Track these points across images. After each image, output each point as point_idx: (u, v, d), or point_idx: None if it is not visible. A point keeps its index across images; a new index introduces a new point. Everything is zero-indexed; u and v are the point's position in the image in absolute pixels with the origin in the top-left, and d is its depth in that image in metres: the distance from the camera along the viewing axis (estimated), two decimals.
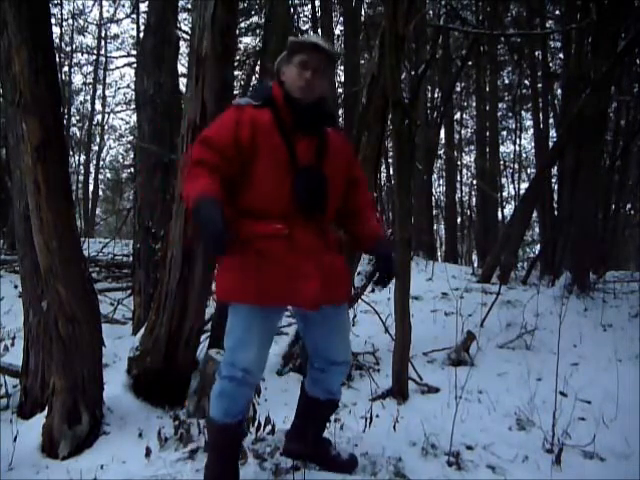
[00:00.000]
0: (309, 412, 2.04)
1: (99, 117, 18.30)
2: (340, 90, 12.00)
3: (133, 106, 14.44)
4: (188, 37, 6.31)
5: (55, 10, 12.48)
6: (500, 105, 15.12)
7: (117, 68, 18.30)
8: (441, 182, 19.59)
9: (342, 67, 11.92)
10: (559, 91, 11.28)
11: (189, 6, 10.93)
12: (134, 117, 16.24)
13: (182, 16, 11.93)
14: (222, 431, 1.85)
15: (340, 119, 11.80)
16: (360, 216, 1.98)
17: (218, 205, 1.58)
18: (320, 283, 1.75)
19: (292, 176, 1.76)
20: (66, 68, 14.89)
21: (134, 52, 14.83)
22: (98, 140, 18.16)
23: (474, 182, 17.61)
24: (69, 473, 2.09)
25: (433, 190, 15.84)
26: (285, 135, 1.77)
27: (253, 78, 10.68)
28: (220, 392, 1.83)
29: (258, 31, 11.38)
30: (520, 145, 17.23)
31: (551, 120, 10.83)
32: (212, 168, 1.69)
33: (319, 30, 11.00)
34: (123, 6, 20.10)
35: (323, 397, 1.99)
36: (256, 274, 1.73)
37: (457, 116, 17.34)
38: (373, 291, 5.76)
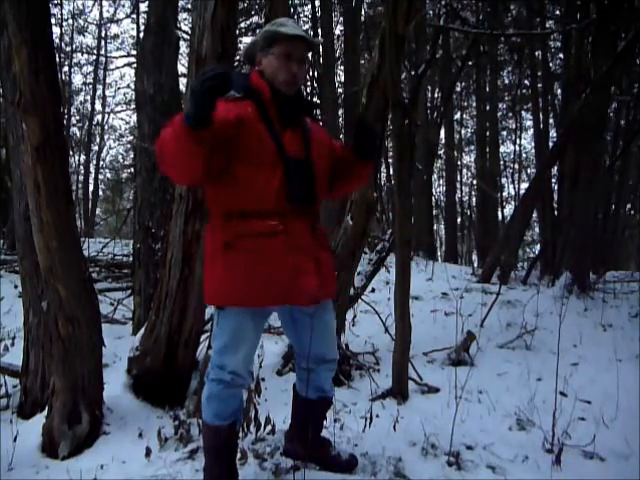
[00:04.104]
0: (304, 413, 2.03)
1: (99, 117, 18.33)
2: (340, 90, 12.01)
3: (133, 106, 14.48)
4: (188, 37, 6.32)
5: (55, 10, 12.50)
6: (500, 105, 15.13)
7: (117, 68, 18.34)
8: (441, 182, 19.63)
9: (342, 67, 11.95)
10: (559, 91, 11.29)
11: (189, 6, 10.95)
12: (134, 117, 16.28)
13: (182, 16, 11.97)
14: (214, 433, 1.85)
15: (340, 119, 11.82)
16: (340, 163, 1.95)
17: None
18: (318, 280, 1.76)
19: (281, 168, 1.72)
20: (66, 68, 14.91)
21: (134, 52, 14.85)
22: (98, 140, 18.17)
23: (474, 182, 17.62)
24: (69, 473, 2.09)
25: (433, 190, 15.86)
26: (271, 128, 1.74)
27: None
28: (209, 395, 1.82)
29: (258, 31, 11.37)
30: (520, 145, 17.28)
31: (551, 120, 10.83)
32: None
33: (319, 30, 11.00)
34: (123, 6, 20.20)
35: (315, 396, 1.99)
36: (247, 275, 1.69)
37: (457, 116, 17.36)
38: (373, 291, 5.77)
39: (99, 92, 17.88)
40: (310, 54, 1.87)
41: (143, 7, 11.58)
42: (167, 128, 1.57)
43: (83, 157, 17.29)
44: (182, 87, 5.24)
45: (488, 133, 13.52)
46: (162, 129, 1.62)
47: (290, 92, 1.79)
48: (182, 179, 1.90)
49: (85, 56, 16.58)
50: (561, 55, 11.11)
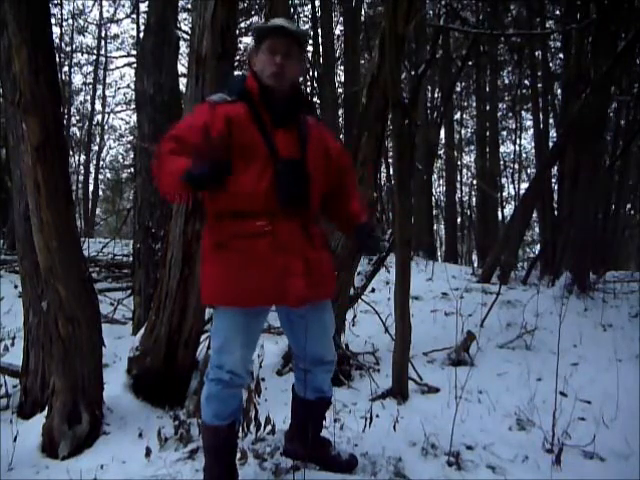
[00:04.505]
0: (303, 413, 2.03)
1: (99, 117, 18.33)
2: (340, 90, 12.01)
3: (133, 106, 14.47)
4: (188, 37, 6.31)
5: (55, 10, 12.51)
6: (500, 105, 15.12)
7: (117, 68, 18.24)
8: (441, 182, 19.62)
9: (342, 67, 11.94)
10: (559, 91, 11.29)
11: (189, 6, 10.95)
12: (134, 117, 16.26)
13: (182, 16, 11.97)
14: (214, 433, 1.85)
15: (340, 119, 11.82)
16: (341, 199, 1.96)
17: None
18: (306, 281, 1.73)
19: (272, 170, 1.72)
20: (66, 68, 14.92)
21: (134, 52, 14.85)
22: (98, 140, 18.17)
23: (474, 182, 17.62)
24: (69, 473, 2.09)
25: (433, 190, 15.86)
26: (262, 128, 1.73)
27: None
28: (208, 395, 1.83)
29: None
30: (520, 145, 17.27)
31: (551, 120, 10.83)
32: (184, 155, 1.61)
33: (319, 30, 11.01)
34: (123, 6, 20.15)
35: (314, 397, 1.98)
36: (238, 275, 1.70)
37: (457, 116, 17.35)
38: (373, 291, 5.77)
39: (99, 92, 17.90)
40: (306, 51, 1.82)
41: (143, 7, 11.60)
42: (166, 163, 1.61)
43: (83, 157, 17.31)
44: (182, 87, 5.25)
45: (488, 133, 13.52)
46: (161, 149, 1.67)
47: (279, 86, 1.77)
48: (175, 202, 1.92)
49: (85, 56, 16.62)
50: (561, 55, 11.11)
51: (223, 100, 1.77)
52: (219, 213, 1.78)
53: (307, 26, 12.17)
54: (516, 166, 17.74)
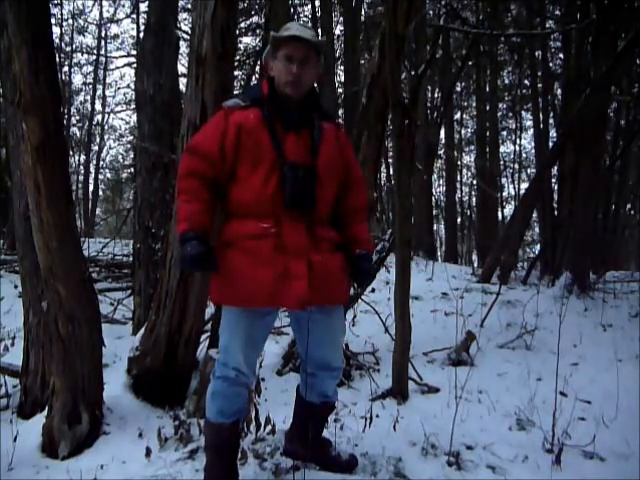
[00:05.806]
0: (306, 415, 2.03)
1: (99, 117, 18.34)
2: (340, 90, 12.01)
3: (133, 106, 14.47)
4: (188, 37, 6.31)
5: (55, 10, 12.53)
6: (500, 105, 15.11)
7: (117, 68, 18.33)
8: (441, 182, 19.63)
9: (342, 67, 11.95)
10: (559, 91, 11.28)
11: (189, 6, 10.94)
12: (134, 117, 16.27)
13: (182, 16, 11.96)
14: (217, 431, 1.86)
15: (340, 119, 11.82)
16: (347, 220, 1.95)
17: (201, 244, 1.69)
18: (308, 283, 1.72)
19: (279, 173, 1.74)
20: (66, 68, 14.93)
21: (134, 52, 14.85)
22: (98, 140, 18.18)
23: (474, 182, 17.61)
24: (69, 473, 2.09)
25: (433, 190, 15.86)
26: (272, 132, 1.75)
27: (253, 78, 10.68)
28: (214, 392, 1.85)
29: (258, 31, 11.39)
30: (520, 145, 17.26)
31: (551, 120, 10.83)
32: (201, 177, 1.76)
33: (319, 30, 11.00)
34: (123, 6, 20.20)
35: (318, 401, 1.99)
36: (242, 275, 1.72)
37: (457, 116, 17.34)
38: (373, 291, 5.77)
39: (99, 92, 17.93)
40: (319, 55, 1.83)
41: (143, 7, 11.60)
42: (181, 205, 1.79)
43: (83, 157, 17.33)
44: (182, 87, 5.24)
45: (488, 133, 13.51)
46: (180, 169, 1.83)
47: (295, 94, 1.79)
48: None
49: (85, 56, 16.63)
50: (561, 55, 11.10)
51: (237, 105, 1.81)
52: (228, 214, 1.83)
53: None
54: (516, 166, 17.77)
